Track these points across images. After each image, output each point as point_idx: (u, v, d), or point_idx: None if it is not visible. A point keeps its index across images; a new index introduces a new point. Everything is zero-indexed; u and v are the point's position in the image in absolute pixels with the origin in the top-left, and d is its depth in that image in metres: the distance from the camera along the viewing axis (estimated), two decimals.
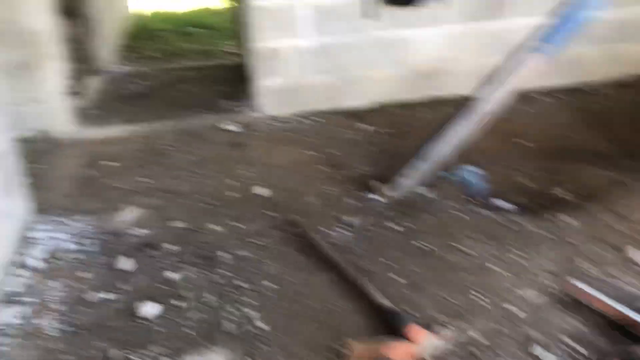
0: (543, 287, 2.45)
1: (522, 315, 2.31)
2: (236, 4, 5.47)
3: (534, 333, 2.21)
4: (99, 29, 5.43)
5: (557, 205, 3.03)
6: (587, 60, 4.40)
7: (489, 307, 2.36)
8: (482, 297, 2.41)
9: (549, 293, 2.41)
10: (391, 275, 2.57)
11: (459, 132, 2.99)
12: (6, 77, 3.65)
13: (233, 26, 6.01)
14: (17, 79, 3.72)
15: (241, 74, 4.92)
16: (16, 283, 2.47)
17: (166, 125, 4.13)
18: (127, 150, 3.81)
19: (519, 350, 2.14)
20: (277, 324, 2.30)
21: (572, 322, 2.26)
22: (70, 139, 3.93)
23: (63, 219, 2.95)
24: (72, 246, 2.74)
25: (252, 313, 2.36)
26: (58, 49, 3.73)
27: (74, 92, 4.59)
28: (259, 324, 2.31)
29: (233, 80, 5.16)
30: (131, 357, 2.15)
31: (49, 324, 2.31)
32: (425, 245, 2.77)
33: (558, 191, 3.16)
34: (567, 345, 2.15)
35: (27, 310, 2.38)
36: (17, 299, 2.43)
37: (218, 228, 2.95)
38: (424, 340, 2.13)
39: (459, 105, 3.03)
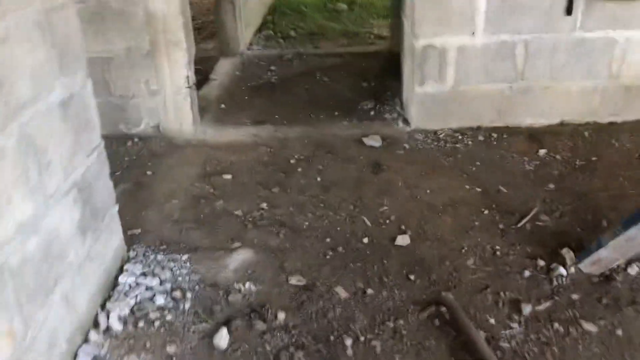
0: None
1: None
2: None
3: None
4: (242, 6, 4.88)
5: None
6: None
7: None
8: None
9: None
10: None
11: None
12: (121, 65, 3.18)
13: (388, 3, 5.20)
14: (133, 68, 3.23)
15: (390, 66, 4.13)
16: (84, 353, 1.93)
17: (296, 132, 3.46)
18: (248, 160, 3.19)
19: None
20: None
21: None
22: (185, 139, 3.40)
23: (159, 257, 2.38)
24: (162, 301, 2.16)
25: None
26: (182, 35, 3.17)
27: (197, 84, 4.09)
28: None
29: (380, 75, 4.37)
30: None
31: None
32: None
33: None
34: None
35: None
36: None
37: (344, 293, 2.22)
38: None
39: None
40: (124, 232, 2.41)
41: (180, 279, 2.28)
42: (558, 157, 3.14)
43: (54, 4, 1.76)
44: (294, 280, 2.29)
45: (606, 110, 3.33)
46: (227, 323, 2.07)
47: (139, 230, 2.56)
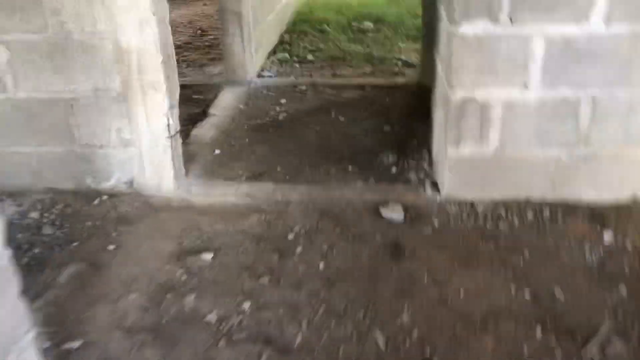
0: None
1: None
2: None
3: None
4: (252, 28, 4.28)
5: None
6: None
7: None
8: None
9: None
10: None
11: None
12: (88, 109, 2.60)
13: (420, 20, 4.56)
14: (102, 112, 2.65)
15: (418, 104, 3.48)
16: None
17: (299, 193, 2.83)
18: (236, 232, 2.57)
19: None
20: None
21: None
22: (164, 198, 2.79)
23: None
24: None
25: None
26: (162, 76, 2.57)
27: (192, 119, 3.49)
28: None
29: (405, 116, 3.73)
30: None
31: None
32: None
33: None
34: None
35: None
36: None
37: None
38: None
39: None
40: (57, 345, 1.81)
41: None
42: (629, 245, 2.45)
43: None
44: None
45: None
46: None
47: (79, 343, 1.95)
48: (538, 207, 2.66)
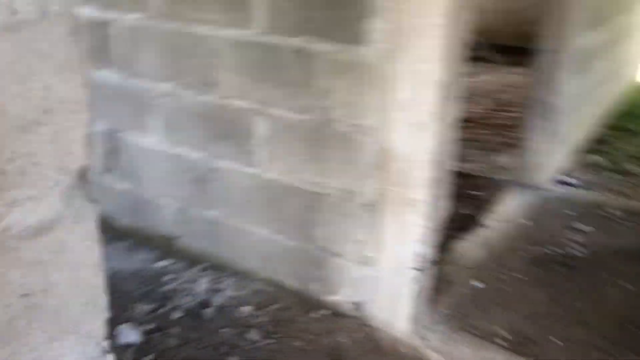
0: None
1: None
2: None
3: None
4: (561, 123, 3.44)
5: None
6: None
7: None
8: None
9: None
10: None
11: None
12: (331, 208, 2.16)
13: None
14: (345, 217, 2.16)
15: None
16: None
17: None
18: None
19: None
20: None
21: None
22: (392, 338, 2.16)
23: None
24: None
25: None
26: (422, 194, 1.96)
27: (462, 225, 2.84)
28: None
29: None
30: None
31: None
32: None
33: None
34: None
35: None
36: None
37: None
38: None
39: None
40: None
41: None
42: None
43: None
44: None
45: None
46: None
47: None
48: None
